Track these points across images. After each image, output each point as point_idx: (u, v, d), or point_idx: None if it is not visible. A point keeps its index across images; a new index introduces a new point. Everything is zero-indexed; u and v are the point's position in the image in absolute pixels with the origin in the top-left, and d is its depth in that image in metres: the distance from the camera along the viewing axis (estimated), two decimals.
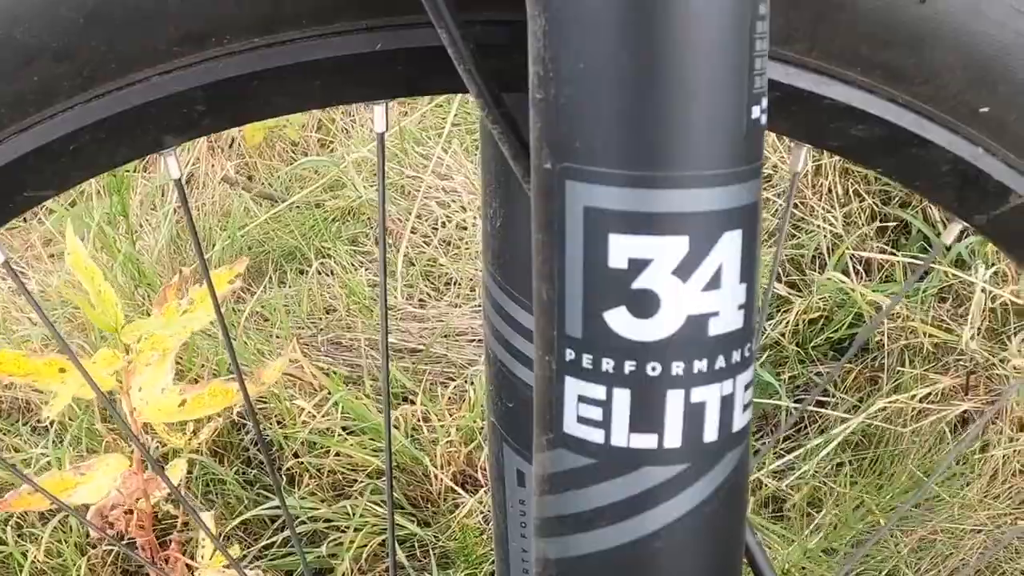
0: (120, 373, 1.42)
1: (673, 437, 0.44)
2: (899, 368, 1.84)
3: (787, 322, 1.94)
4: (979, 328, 1.87)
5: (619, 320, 0.42)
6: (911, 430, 1.74)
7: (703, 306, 0.42)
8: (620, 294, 0.42)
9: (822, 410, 1.83)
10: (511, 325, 0.74)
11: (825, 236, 2.06)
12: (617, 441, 0.44)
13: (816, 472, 1.72)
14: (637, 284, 0.42)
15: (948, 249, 2.02)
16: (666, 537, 0.45)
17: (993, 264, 1.91)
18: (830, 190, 2.12)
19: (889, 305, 1.03)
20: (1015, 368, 1.77)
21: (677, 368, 0.43)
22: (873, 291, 1.93)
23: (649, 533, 0.45)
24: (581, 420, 0.44)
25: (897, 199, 2.15)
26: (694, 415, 0.43)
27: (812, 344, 1.94)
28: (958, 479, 1.72)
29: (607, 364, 0.43)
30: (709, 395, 0.43)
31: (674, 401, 0.43)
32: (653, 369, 0.42)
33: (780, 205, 2.13)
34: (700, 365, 0.43)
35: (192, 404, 1.40)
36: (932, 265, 1.99)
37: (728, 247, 0.42)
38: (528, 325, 0.74)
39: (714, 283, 0.42)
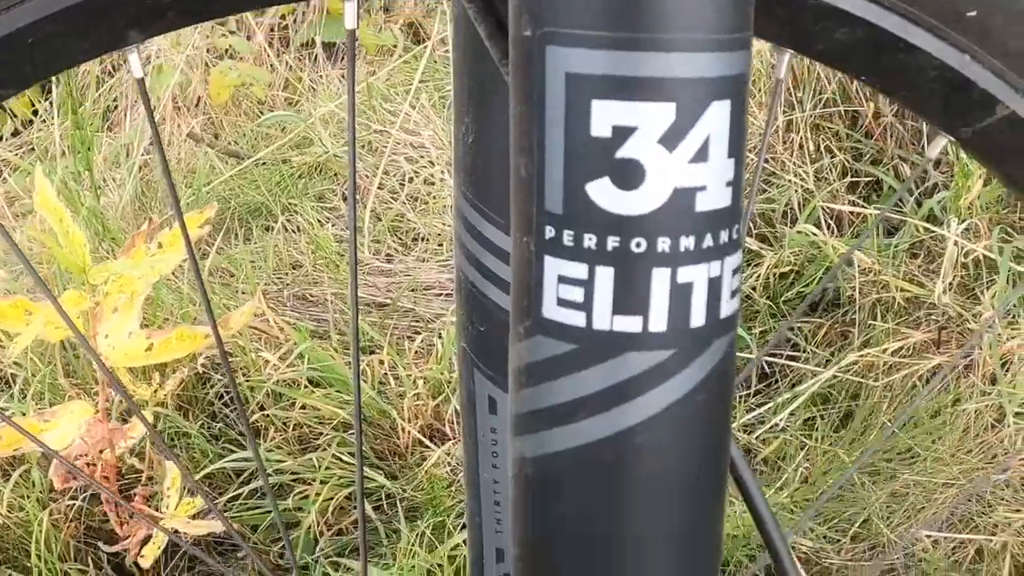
0: (87, 315, 1.39)
1: (658, 320, 0.41)
2: (871, 322, 1.83)
3: (758, 276, 1.92)
4: (951, 283, 1.86)
5: (602, 192, 0.40)
6: (883, 384, 1.74)
7: (690, 179, 0.40)
8: (603, 164, 0.40)
9: (793, 363, 1.82)
10: (483, 244, 0.72)
11: (796, 191, 2.05)
12: (599, 324, 0.42)
13: (787, 427, 1.71)
14: (621, 153, 0.39)
15: (920, 205, 2.02)
16: (650, 430, 0.43)
17: (965, 220, 1.91)
18: (801, 146, 2.11)
19: (851, 249, 1.02)
20: (988, 320, 1.76)
21: (663, 244, 0.40)
22: (846, 244, 1.92)
23: (632, 425, 0.43)
24: (561, 303, 0.42)
25: (868, 156, 2.14)
26: (681, 297, 0.41)
27: (783, 299, 1.93)
28: (930, 434, 1.71)
29: (589, 240, 0.41)
30: (696, 276, 0.41)
31: (660, 281, 0.41)
32: (638, 245, 0.40)
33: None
34: (687, 243, 0.41)
35: (159, 348, 1.37)
36: (904, 219, 1.98)
37: (716, 117, 0.40)
38: (501, 244, 0.71)
39: (702, 155, 0.40)
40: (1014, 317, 1.79)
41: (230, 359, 1.75)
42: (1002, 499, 1.62)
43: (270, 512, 1.63)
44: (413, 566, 1.46)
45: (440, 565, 1.47)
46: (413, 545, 1.48)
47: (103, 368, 0.86)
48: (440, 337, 1.78)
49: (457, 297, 0.76)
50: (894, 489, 1.64)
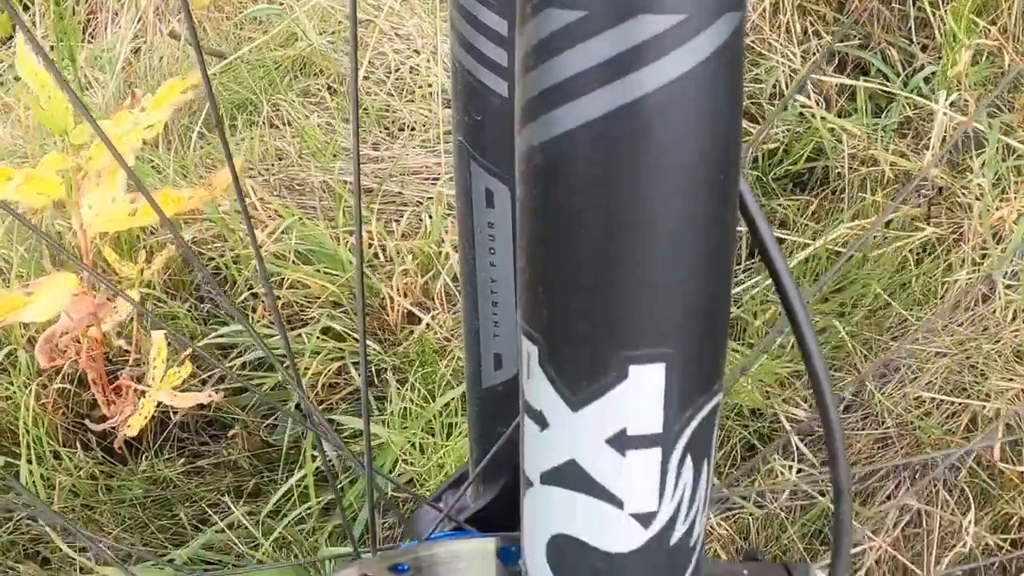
0: (70, 182, 1.36)
1: None
2: (861, 195, 1.82)
3: (746, 152, 1.90)
4: (941, 158, 1.85)
5: None
6: (874, 256, 1.73)
7: None
8: None
9: (784, 235, 1.80)
10: (478, 28, 0.69)
11: (783, 71, 2.02)
12: None
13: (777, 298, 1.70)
14: None
15: (906, 84, 2.00)
16: (659, 101, 0.41)
17: (953, 94, 1.89)
18: (788, 28, 2.07)
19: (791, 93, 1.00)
20: (978, 187, 1.75)
21: None
22: (834, 119, 1.89)
23: (642, 95, 0.41)
24: None
25: (856, 39, 2.11)
26: None
27: (772, 175, 1.91)
28: (922, 305, 1.70)
29: None
30: None
31: None
32: None
33: None
34: None
35: (144, 212, 1.34)
36: (892, 93, 1.96)
37: None
38: (497, 28, 0.69)
39: None
40: (1003, 189, 1.77)
41: (216, 244, 1.73)
42: (995, 369, 1.62)
43: (259, 386, 1.61)
44: (406, 426, 1.45)
45: (434, 416, 1.47)
46: (406, 401, 1.47)
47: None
48: (429, 214, 1.76)
49: (453, 88, 0.74)
50: (887, 360, 1.64)
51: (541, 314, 0.46)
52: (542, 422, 0.48)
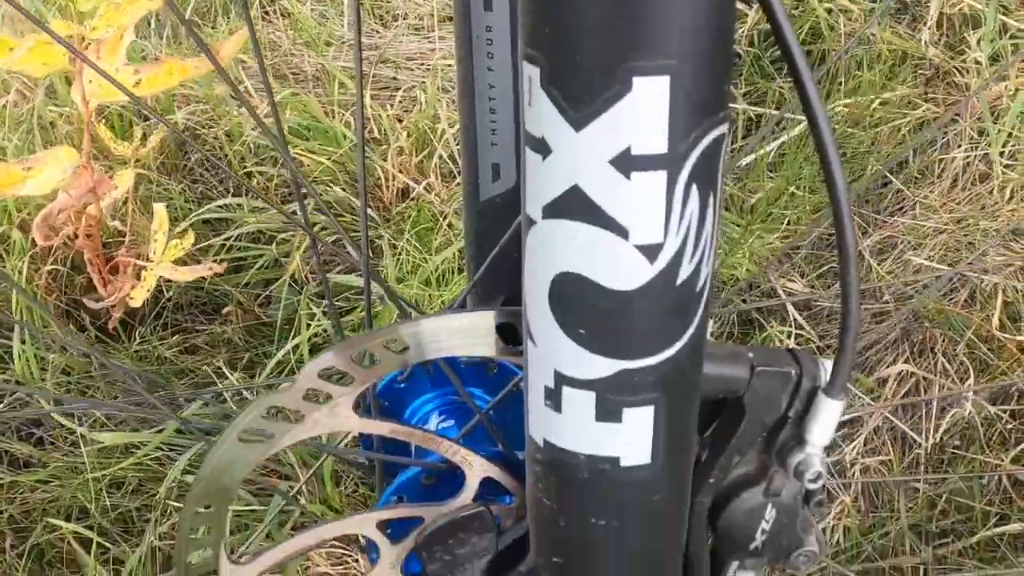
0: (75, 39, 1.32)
1: None
2: (857, 73, 1.79)
3: (742, 32, 1.87)
4: (938, 38, 1.82)
5: None
6: (872, 133, 1.70)
7: None
8: None
9: (784, 114, 1.77)
10: None
11: None
12: None
13: (776, 175, 1.68)
14: None
15: None
16: None
17: None
18: None
19: None
20: (976, 62, 1.72)
21: None
22: None
23: None
24: None
25: None
26: None
27: (769, 56, 1.88)
28: (919, 183, 1.68)
29: None
30: None
31: None
32: None
33: None
34: None
35: (147, 81, 1.31)
36: None
37: None
38: None
39: None
40: (1002, 68, 1.74)
41: (211, 126, 1.70)
42: (993, 246, 1.60)
43: (252, 267, 1.60)
44: (403, 279, 1.43)
45: (432, 272, 1.45)
46: (402, 263, 1.46)
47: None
48: (423, 89, 1.73)
49: None
50: (887, 235, 1.62)
51: (542, 31, 0.43)
52: (544, 150, 0.46)
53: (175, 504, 1.29)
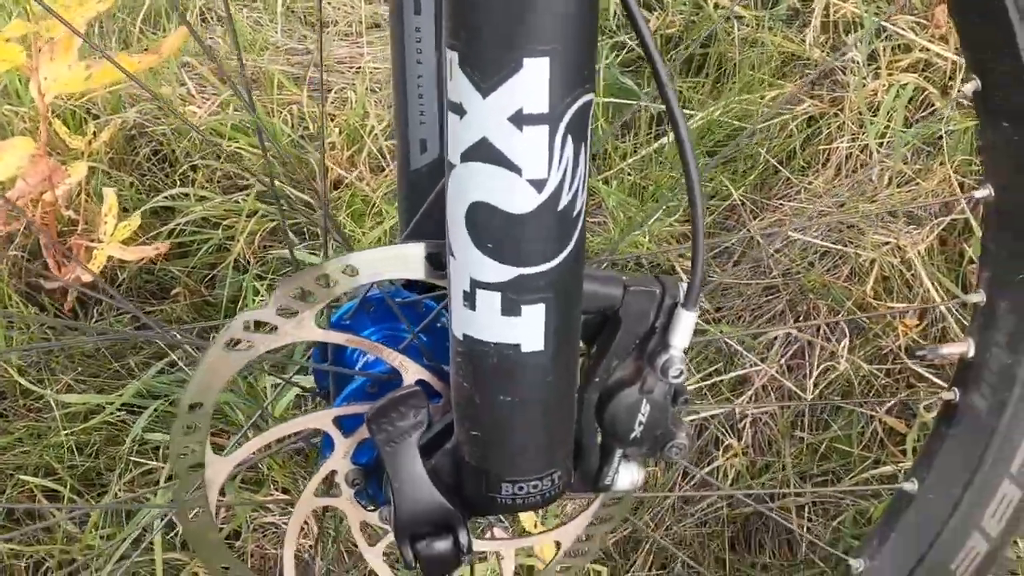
0: (29, 50, 1.48)
1: None
2: (749, 72, 2.01)
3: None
4: (823, 41, 2.04)
5: None
6: (761, 127, 1.92)
7: None
8: None
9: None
10: None
11: None
12: None
13: (675, 163, 1.89)
14: None
15: None
16: None
17: None
18: None
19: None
20: (853, 61, 1.95)
21: None
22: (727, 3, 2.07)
23: None
24: None
25: None
26: None
27: (669, 58, 2.09)
28: (805, 172, 1.90)
29: None
30: None
31: None
32: None
33: None
34: None
35: (98, 75, 1.48)
36: None
37: None
38: None
39: None
40: (879, 65, 1.98)
41: (158, 118, 1.87)
42: (870, 227, 1.82)
43: (198, 252, 1.76)
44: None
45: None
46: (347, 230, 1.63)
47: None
48: (354, 88, 1.92)
49: None
50: (776, 218, 1.84)
51: (459, 27, 0.63)
52: (461, 111, 0.65)
53: (137, 460, 1.45)
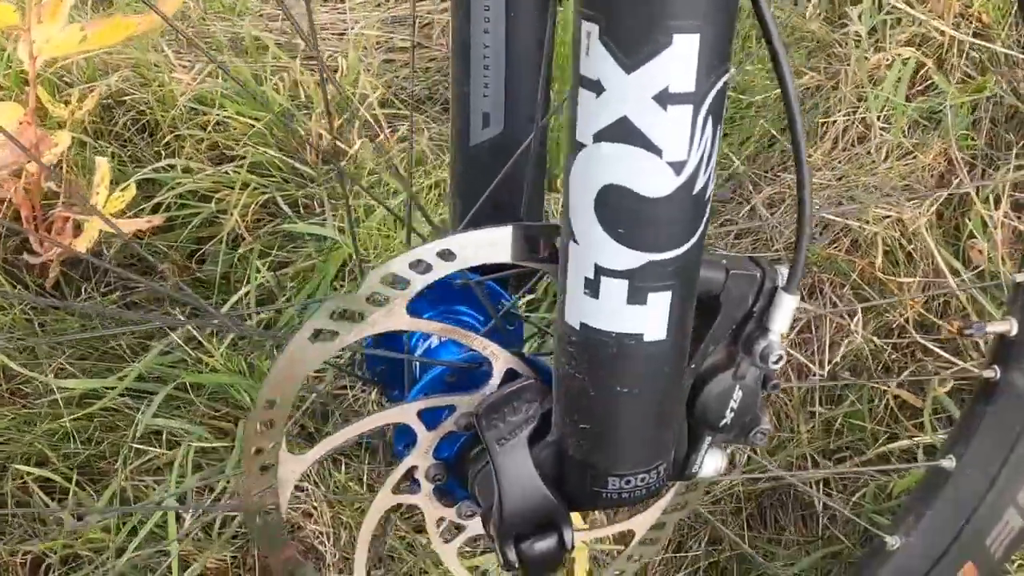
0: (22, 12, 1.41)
1: None
2: (747, 46, 1.99)
3: None
4: (820, 13, 2.03)
5: None
6: (759, 100, 1.90)
7: None
8: None
9: None
10: None
11: None
12: None
13: None
14: None
15: None
16: None
17: None
18: None
19: None
20: (856, 35, 1.94)
21: None
22: None
23: None
24: None
25: None
26: None
27: None
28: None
29: None
30: None
31: None
32: None
33: None
34: None
35: (94, 36, 1.41)
36: None
37: None
38: None
39: None
40: (879, 39, 1.97)
41: (145, 82, 1.80)
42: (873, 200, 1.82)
43: (185, 225, 1.70)
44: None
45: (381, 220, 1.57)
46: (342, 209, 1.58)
47: None
48: (345, 56, 1.86)
49: None
50: (776, 191, 1.83)
51: None
52: (598, 89, 0.61)
53: (141, 447, 1.40)
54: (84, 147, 1.75)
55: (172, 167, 1.72)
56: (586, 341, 0.69)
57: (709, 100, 0.61)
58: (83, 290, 1.64)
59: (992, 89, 1.86)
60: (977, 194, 1.74)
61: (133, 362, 1.52)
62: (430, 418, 0.80)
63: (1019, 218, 1.77)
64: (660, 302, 0.67)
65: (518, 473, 0.73)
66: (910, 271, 1.73)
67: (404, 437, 0.82)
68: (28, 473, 1.37)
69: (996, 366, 1.16)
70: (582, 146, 0.63)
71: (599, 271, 0.66)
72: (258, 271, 1.56)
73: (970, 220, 1.75)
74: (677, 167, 0.62)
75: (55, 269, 1.64)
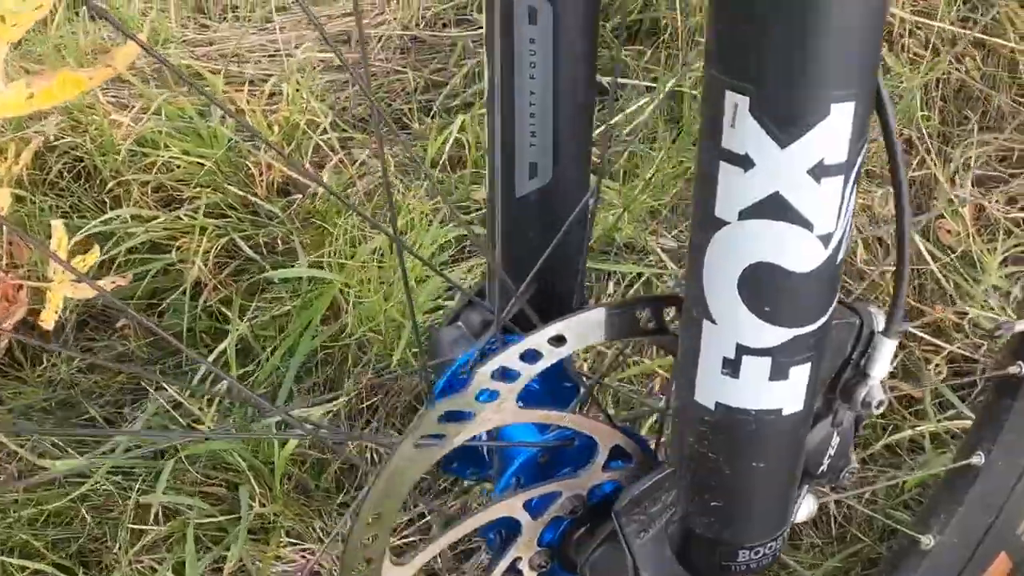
0: None
1: None
2: (697, 40, 1.97)
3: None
4: None
5: None
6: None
7: None
8: None
9: (628, 80, 1.93)
10: None
11: None
12: None
13: (636, 143, 1.84)
14: None
15: None
16: None
17: None
18: None
19: None
20: None
21: None
22: None
23: None
24: None
25: None
26: None
27: (607, 25, 2.03)
28: None
29: None
30: None
31: None
32: None
33: None
34: None
35: (43, 95, 1.31)
36: None
37: None
38: None
39: None
40: None
41: (79, 126, 1.70)
42: None
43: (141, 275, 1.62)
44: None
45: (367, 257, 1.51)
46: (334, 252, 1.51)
47: None
48: (284, 81, 1.78)
49: None
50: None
51: (754, 68, 0.55)
52: (746, 164, 0.58)
53: (139, 527, 1.32)
54: (22, 201, 1.64)
55: (119, 217, 1.63)
56: (722, 421, 0.66)
57: (856, 166, 0.59)
58: (43, 359, 1.55)
59: (943, 68, 1.88)
60: (944, 171, 1.76)
61: (121, 427, 1.44)
62: (536, 506, 0.77)
63: (983, 195, 1.79)
64: (800, 375, 0.65)
65: (658, 560, 0.70)
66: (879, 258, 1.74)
67: (502, 527, 0.78)
68: (18, 567, 1.28)
69: (1021, 362, 1.18)
70: (723, 223, 0.60)
71: (741, 350, 0.63)
72: (230, 322, 1.49)
73: (936, 200, 1.77)
74: (826, 239, 0.60)
75: (3, 339, 1.54)
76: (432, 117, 1.92)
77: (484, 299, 1.00)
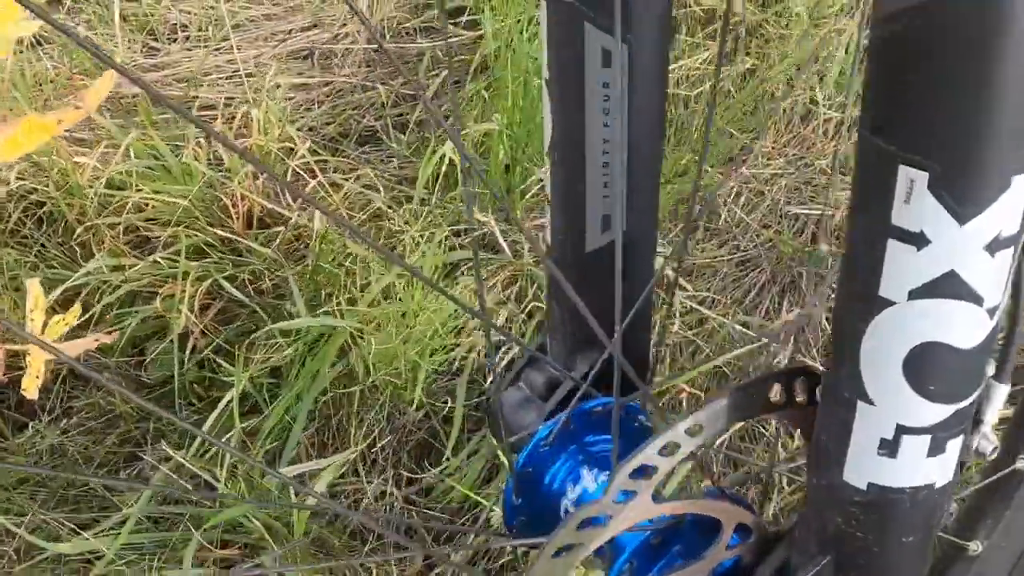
0: None
1: None
2: (677, 36, 1.95)
3: None
4: None
5: None
6: (697, 93, 1.87)
7: None
8: None
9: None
10: None
11: None
12: None
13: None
14: None
15: None
16: None
17: None
18: None
19: None
20: (796, 15, 1.92)
21: None
22: None
23: None
24: None
25: None
26: None
27: None
28: (752, 131, 1.86)
29: None
30: None
31: None
32: None
33: None
34: None
35: (8, 145, 1.24)
36: None
37: None
38: None
39: None
40: (818, 22, 1.96)
41: (40, 171, 1.61)
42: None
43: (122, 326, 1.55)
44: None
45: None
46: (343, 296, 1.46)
47: None
48: (256, 106, 1.72)
49: None
50: (730, 187, 1.80)
51: (931, 143, 0.53)
52: (920, 242, 0.55)
53: None
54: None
55: (97, 267, 1.55)
56: (876, 501, 0.64)
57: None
58: (27, 426, 1.48)
59: None
60: None
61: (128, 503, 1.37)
62: None
63: None
64: (955, 447, 0.63)
65: None
66: None
67: None
68: None
69: None
70: (888, 303, 0.57)
71: (900, 430, 0.61)
72: (221, 370, 1.44)
73: None
74: (992, 312, 0.58)
75: None
76: (405, 133, 1.88)
77: (545, 354, 0.97)
